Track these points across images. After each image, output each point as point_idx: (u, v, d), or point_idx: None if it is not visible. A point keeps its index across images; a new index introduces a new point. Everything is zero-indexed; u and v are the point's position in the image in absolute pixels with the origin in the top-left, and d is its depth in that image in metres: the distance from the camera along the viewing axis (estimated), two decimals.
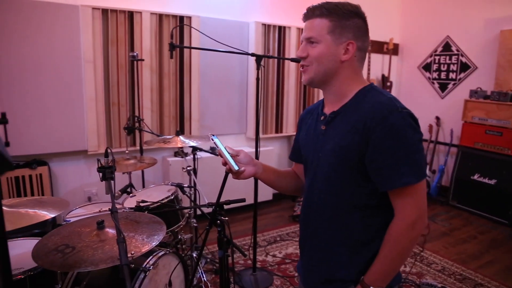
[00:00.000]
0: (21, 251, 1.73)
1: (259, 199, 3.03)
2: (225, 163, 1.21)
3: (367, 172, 1.11)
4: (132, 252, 1.40)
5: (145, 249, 1.50)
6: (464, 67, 4.74)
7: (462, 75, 4.77)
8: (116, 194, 2.53)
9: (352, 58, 1.17)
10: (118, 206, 2.22)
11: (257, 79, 2.57)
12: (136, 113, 3.37)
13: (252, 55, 2.53)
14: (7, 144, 0.77)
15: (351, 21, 1.16)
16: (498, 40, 4.32)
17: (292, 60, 2.71)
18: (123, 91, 3.38)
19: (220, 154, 1.21)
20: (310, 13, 1.18)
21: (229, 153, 1.22)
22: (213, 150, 1.08)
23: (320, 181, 1.22)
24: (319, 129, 1.25)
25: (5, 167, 0.59)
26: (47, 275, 1.71)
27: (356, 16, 1.17)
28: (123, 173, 2.68)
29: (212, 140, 1.19)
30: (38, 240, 1.57)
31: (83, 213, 2.20)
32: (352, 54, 1.16)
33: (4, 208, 1.35)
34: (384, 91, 1.18)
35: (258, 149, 2.69)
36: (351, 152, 1.11)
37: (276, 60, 4.26)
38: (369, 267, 1.14)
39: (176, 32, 3.60)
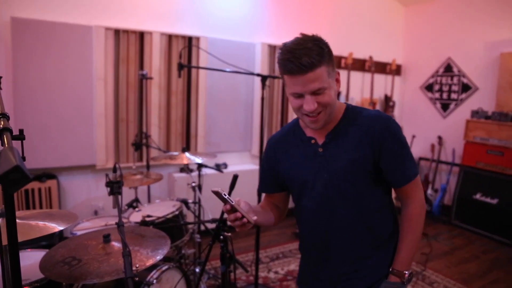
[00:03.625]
0: (28, 262, 1.79)
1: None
2: (241, 217, 1.14)
3: (378, 176, 1.25)
4: (137, 265, 1.46)
5: (150, 262, 1.56)
6: (466, 87, 4.81)
7: (463, 95, 4.84)
8: (123, 209, 2.60)
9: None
10: (124, 220, 2.29)
11: (262, 98, 2.66)
12: (144, 130, 3.47)
13: (258, 75, 2.63)
14: (23, 158, 0.84)
15: (330, 54, 1.16)
16: (499, 62, 4.40)
17: None
18: (132, 108, 3.49)
19: (234, 208, 1.13)
20: (308, 66, 1.10)
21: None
22: (224, 203, 1.09)
23: (335, 199, 1.26)
24: (315, 152, 1.27)
25: (24, 180, 0.66)
26: (53, 287, 1.77)
27: (328, 47, 1.16)
28: (130, 188, 2.76)
29: (225, 195, 1.11)
30: (45, 252, 1.64)
31: (89, 227, 2.27)
32: (340, 81, 1.24)
33: (17, 220, 1.42)
34: (362, 107, 1.32)
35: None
36: (366, 163, 1.22)
37: (281, 80, 4.36)
38: (394, 256, 1.29)
39: (184, 52, 3.73)
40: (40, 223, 1.49)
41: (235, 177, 1.63)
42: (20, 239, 1.34)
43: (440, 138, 5.02)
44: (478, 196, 4.37)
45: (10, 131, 0.80)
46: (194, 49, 3.76)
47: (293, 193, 1.39)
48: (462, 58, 4.83)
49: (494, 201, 4.20)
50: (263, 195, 1.51)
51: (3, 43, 2.95)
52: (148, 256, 1.61)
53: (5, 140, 0.74)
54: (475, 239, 4.22)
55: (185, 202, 2.40)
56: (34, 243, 2.28)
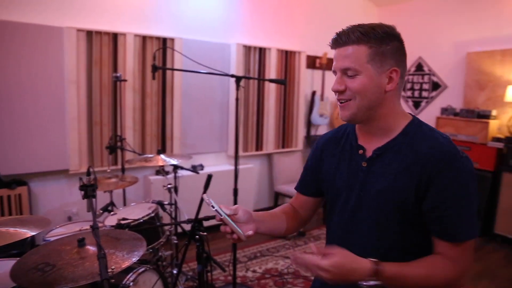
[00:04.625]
0: None
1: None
2: (231, 232, 1.04)
3: (421, 217, 1.02)
4: (113, 267, 1.45)
5: (126, 264, 1.55)
6: (436, 86, 4.98)
7: (434, 93, 5.01)
8: (98, 213, 2.56)
9: (396, 86, 1.04)
10: (99, 224, 2.26)
11: (237, 99, 2.68)
12: (119, 133, 3.42)
13: (232, 76, 2.64)
14: None
15: (391, 45, 1.02)
16: (465, 61, 4.59)
17: (271, 81, 2.84)
18: (106, 110, 3.44)
19: (224, 222, 1.04)
20: (344, 39, 1.02)
21: (228, 215, 1.04)
22: (216, 213, 0.98)
23: (363, 224, 1.09)
24: (358, 164, 1.11)
25: None
26: None
27: (395, 38, 1.03)
28: (105, 191, 2.72)
29: (212, 207, 1.00)
30: (15, 262, 1.60)
31: (63, 232, 2.23)
32: (397, 82, 1.03)
33: None
34: (433, 128, 1.09)
35: (238, 167, 2.78)
36: (407, 194, 1.01)
37: (256, 80, 4.40)
38: None
39: (159, 53, 3.70)
40: (11, 229, 1.46)
41: (209, 177, 1.64)
42: None
43: None
44: None
45: None
46: (169, 51, 3.74)
47: (327, 202, 1.26)
48: (432, 58, 5.01)
49: None
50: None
51: None
52: (124, 258, 1.59)
53: None
54: None
55: (160, 204, 2.39)
56: (4, 252, 2.21)
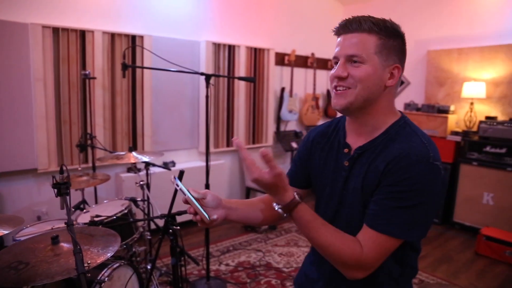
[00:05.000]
0: None
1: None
2: (195, 213, 1.03)
3: None
4: (88, 262, 1.49)
5: (101, 260, 1.59)
6: (400, 82, 5.20)
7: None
8: (70, 213, 2.56)
9: (394, 84, 1.05)
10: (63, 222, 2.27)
11: (207, 96, 2.73)
12: (89, 131, 3.40)
13: (202, 74, 2.69)
14: None
15: (397, 42, 1.03)
16: (426, 59, 4.83)
17: (240, 78, 2.92)
18: (75, 108, 3.40)
19: (188, 202, 1.03)
20: (354, 26, 1.00)
21: (195, 198, 1.04)
22: (179, 191, 1.01)
23: (343, 221, 1.10)
24: (342, 163, 1.11)
25: None
26: None
27: (400, 36, 1.05)
28: (76, 190, 2.71)
29: (177, 186, 1.03)
30: None
31: (34, 231, 2.21)
32: (397, 79, 1.04)
33: None
34: (419, 130, 1.06)
35: (209, 163, 2.84)
36: (371, 193, 1.02)
37: (226, 78, 4.45)
38: None
39: (128, 51, 3.69)
40: None
41: (181, 173, 1.70)
42: None
43: None
44: None
45: None
46: (139, 48, 3.74)
47: (315, 195, 1.25)
48: None
49: None
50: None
51: None
52: (99, 253, 1.63)
53: None
54: None
55: (133, 200, 2.42)
56: None
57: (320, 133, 1.24)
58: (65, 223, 1.50)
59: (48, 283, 1.75)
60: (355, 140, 1.11)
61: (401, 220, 0.95)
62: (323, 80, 5.61)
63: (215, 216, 1.05)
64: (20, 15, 3.08)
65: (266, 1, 4.84)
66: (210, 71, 4.19)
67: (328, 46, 5.59)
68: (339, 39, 1.05)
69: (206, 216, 1.02)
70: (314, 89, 5.32)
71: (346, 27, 1.02)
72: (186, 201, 1.03)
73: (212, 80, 2.72)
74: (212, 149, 4.41)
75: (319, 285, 1.21)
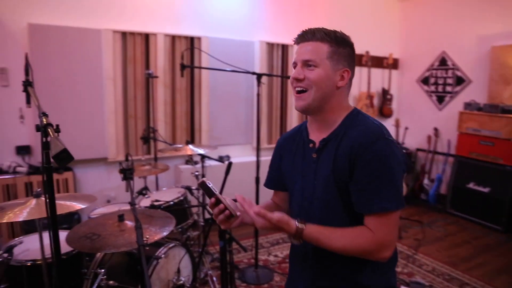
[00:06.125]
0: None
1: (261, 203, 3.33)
2: (224, 209, 1.14)
3: (347, 199, 1.14)
4: (147, 237, 1.71)
5: (158, 237, 1.82)
6: (459, 80, 4.98)
7: (458, 88, 5.02)
8: (133, 195, 2.86)
9: (345, 85, 1.20)
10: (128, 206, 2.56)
11: (258, 94, 2.89)
12: (151, 125, 3.73)
13: (253, 73, 2.86)
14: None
15: (346, 49, 1.19)
16: (490, 55, 4.57)
17: (288, 77, 3.02)
18: (140, 104, 3.75)
19: (219, 199, 1.14)
20: (309, 36, 1.17)
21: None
22: (209, 195, 1.16)
23: (317, 208, 1.21)
24: (310, 156, 1.24)
25: (69, 158, 0.93)
26: (75, 261, 2.03)
27: (349, 45, 1.20)
28: (139, 177, 3.01)
29: (208, 184, 1.14)
30: (68, 232, 1.90)
31: (104, 211, 2.53)
32: (347, 81, 1.19)
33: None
34: (369, 116, 1.22)
35: (259, 158, 3.00)
36: (345, 177, 1.13)
37: (279, 78, 4.59)
38: (387, 278, 1.23)
39: (187, 52, 3.97)
40: (67, 202, 1.76)
41: (230, 164, 1.86)
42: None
43: (436, 129, 5.20)
44: (471, 185, 4.55)
45: (52, 126, 1.06)
46: (197, 48, 4.00)
47: (288, 194, 1.37)
48: (456, 52, 5.01)
49: (486, 190, 4.38)
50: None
51: (21, 47, 3.22)
52: (156, 232, 1.85)
53: (50, 132, 1.01)
54: (468, 226, 4.41)
55: (189, 188, 2.65)
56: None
57: (286, 138, 1.39)
58: (129, 203, 1.74)
59: (116, 253, 2.04)
60: (317, 135, 1.24)
61: (388, 193, 1.08)
62: (378, 78, 5.53)
63: (239, 213, 1.18)
64: (94, 22, 3.48)
65: (320, 0, 4.89)
66: (264, 70, 4.35)
67: (383, 44, 5.50)
68: (296, 47, 1.21)
69: (234, 210, 1.15)
70: (369, 87, 5.27)
71: (303, 37, 1.18)
72: (215, 202, 1.15)
73: (264, 79, 2.86)
74: (265, 145, 4.58)
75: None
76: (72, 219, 2.93)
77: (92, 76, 3.50)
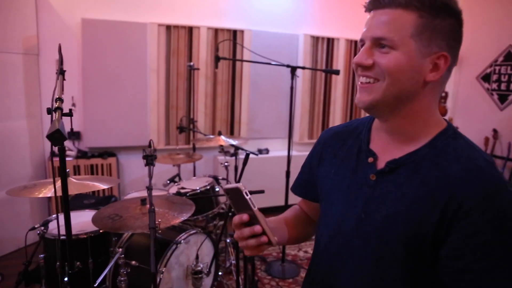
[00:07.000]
0: (86, 219, 2.21)
1: (292, 201, 3.31)
2: (262, 233, 0.81)
3: (436, 264, 0.75)
4: (159, 220, 1.78)
5: (174, 222, 1.89)
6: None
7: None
8: (165, 182, 2.99)
9: (439, 79, 0.79)
10: (164, 192, 2.67)
11: (291, 88, 2.87)
12: (192, 116, 3.85)
13: (287, 66, 2.83)
14: (71, 129, 1.25)
15: (446, 22, 0.76)
16: None
17: (325, 71, 2.96)
18: (181, 96, 3.88)
19: (256, 219, 0.80)
20: (387, 0, 0.76)
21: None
22: (237, 210, 0.82)
23: (357, 256, 0.83)
24: (365, 176, 0.85)
25: (62, 139, 1.00)
26: (103, 239, 2.18)
27: (454, 15, 0.77)
28: (173, 165, 3.14)
29: (247, 194, 0.79)
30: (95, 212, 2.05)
31: (137, 195, 2.67)
32: (443, 72, 0.78)
33: (75, 180, 1.84)
34: (473, 144, 0.80)
35: (291, 152, 2.98)
36: (423, 229, 0.74)
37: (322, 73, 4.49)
38: None
39: (229, 44, 4.03)
40: (91, 183, 1.89)
41: (247, 155, 1.87)
42: (77, 191, 1.78)
43: (495, 131, 4.79)
44: None
45: (61, 109, 1.16)
46: (239, 41, 4.04)
47: (320, 217, 0.99)
48: None
49: None
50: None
51: (75, 40, 3.48)
52: (174, 217, 1.92)
53: (56, 115, 1.10)
54: None
55: (215, 178, 2.70)
56: (93, 206, 2.74)
57: (333, 134, 1.01)
58: (146, 187, 1.82)
59: (139, 234, 2.16)
60: (382, 148, 0.86)
61: (508, 284, 0.69)
62: None
63: (276, 239, 0.83)
64: (140, 17, 3.65)
65: None
66: (308, 64, 4.29)
67: None
68: (368, 18, 0.82)
69: (274, 237, 0.81)
70: None
71: (377, 1, 0.78)
72: (243, 222, 0.82)
73: (299, 72, 2.83)
74: (307, 139, 4.54)
75: None
76: (110, 201, 3.14)
77: (137, 68, 3.68)
